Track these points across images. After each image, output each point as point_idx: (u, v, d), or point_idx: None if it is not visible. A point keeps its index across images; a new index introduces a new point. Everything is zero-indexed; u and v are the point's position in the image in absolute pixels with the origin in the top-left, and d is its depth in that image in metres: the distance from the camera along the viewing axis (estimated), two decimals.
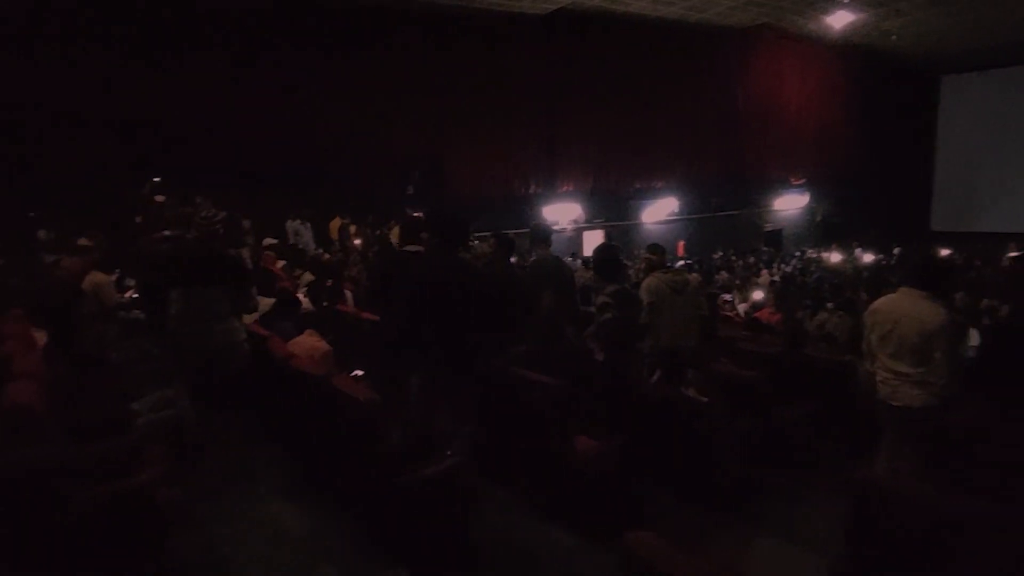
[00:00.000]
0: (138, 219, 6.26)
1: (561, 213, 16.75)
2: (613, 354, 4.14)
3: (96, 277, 5.37)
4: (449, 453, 3.07)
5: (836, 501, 2.76)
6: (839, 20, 16.35)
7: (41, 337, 3.91)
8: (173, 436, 3.44)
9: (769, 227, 21.17)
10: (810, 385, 4.84)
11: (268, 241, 8.62)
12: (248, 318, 4.44)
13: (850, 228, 20.46)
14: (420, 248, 3.94)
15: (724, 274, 13.98)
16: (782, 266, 16.53)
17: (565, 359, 4.16)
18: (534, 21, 14.86)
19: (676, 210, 18.84)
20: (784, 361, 5.17)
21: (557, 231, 15.30)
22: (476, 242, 9.93)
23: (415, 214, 7.60)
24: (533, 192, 16.61)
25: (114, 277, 5.85)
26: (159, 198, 5.72)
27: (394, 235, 11.45)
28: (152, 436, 3.28)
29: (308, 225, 10.78)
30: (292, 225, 10.58)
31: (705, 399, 3.87)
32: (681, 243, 18.80)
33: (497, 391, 3.65)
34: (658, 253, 4.96)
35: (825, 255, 17.84)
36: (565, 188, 17.09)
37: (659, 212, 18.59)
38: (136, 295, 5.74)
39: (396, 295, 3.40)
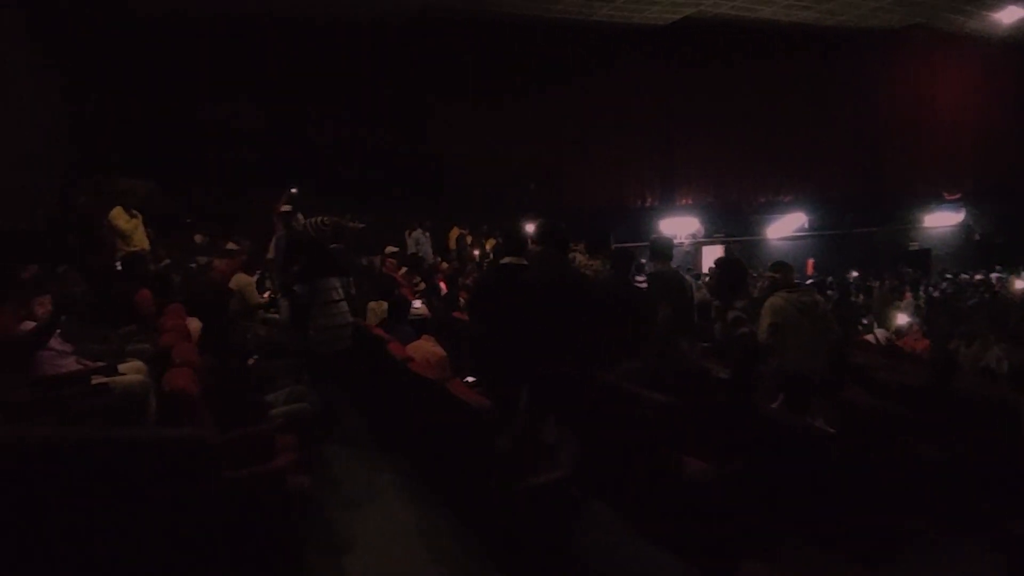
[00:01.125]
0: (276, 226, 6.92)
1: (679, 227, 16.29)
2: (740, 372, 3.93)
3: (241, 278, 5.92)
4: (556, 464, 3.07)
5: (985, 557, 2.46)
6: (1009, 15, 14.66)
7: (196, 329, 4.37)
8: (303, 427, 3.71)
9: (915, 246, 19.28)
10: (961, 423, 4.34)
11: (390, 249, 9.07)
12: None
13: (1016, 249, 18.13)
14: (518, 260, 3.89)
15: (861, 296, 12.91)
16: (930, 289, 14.96)
17: (680, 376, 4.03)
18: (655, 31, 14.65)
19: (805, 226, 17.67)
20: (930, 394, 4.68)
21: (675, 245, 14.91)
22: (577, 254, 9.87)
23: (517, 225, 7.75)
24: (651, 204, 16.29)
25: (255, 278, 6.42)
26: (285, 207, 6.35)
27: (452, 239, 11.72)
28: (285, 426, 3.55)
29: (428, 235, 11.23)
30: (414, 235, 11.07)
31: (832, 430, 3.60)
32: (811, 261, 17.57)
33: (607, 405, 3.60)
34: (783, 271, 4.69)
35: (992, 278, 15.80)
36: (684, 201, 16.60)
37: (786, 228, 17.54)
38: (273, 296, 6.26)
39: (497, 307, 3.44)
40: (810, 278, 15.81)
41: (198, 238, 9.21)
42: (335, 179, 11.40)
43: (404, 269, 8.15)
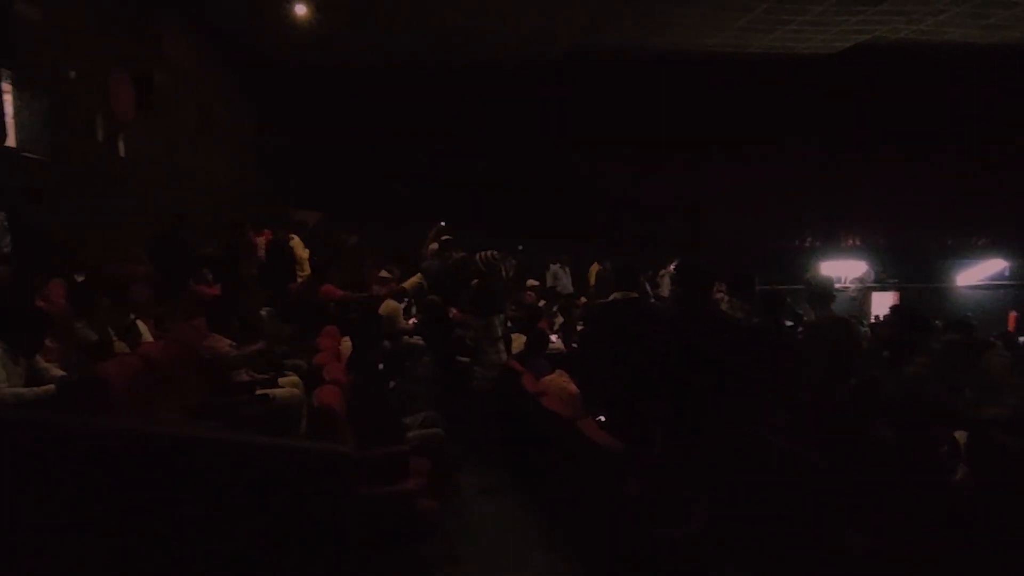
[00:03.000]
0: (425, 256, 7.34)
1: (842, 270, 14.88)
2: (915, 436, 3.42)
3: (390, 304, 6.29)
4: (688, 518, 2.85)
5: None
6: None
7: (346, 349, 4.68)
8: (436, 452, 3.80)
9: None
10: None
11: (531, 282, 9.19)
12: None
13: None
14: (631, 294, 3.69)
15: None
16: None
17: (838, 434, 3.60)
18: (819, 60, 13.77)
19: (1005, 273, 15.33)
20: None
21: (838, 290, 13.65)
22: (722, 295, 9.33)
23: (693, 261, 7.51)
24: (810, 245, 15.11)
25: (403, 305, 6.78)
26: (433, 246, 6.64)
27: (591, 275, 11.42)
28: (419, 449, 3.66)
29: (567, 269, 11.26)
30: (552, 269, 11.17)
31: None
32: (1012, 315, 15.13)
33: (753, 459, 3.30)
34: (963, 332, 4.06)
35: None
36: (849, 242, 15.20)
37: (978, 275, 15.35)
38: (416, 323, 6.56)
39: (618, 345, 3.29)
40: (1013, 336, 13.61)
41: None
42: (481, 213, 11.89)
43: (543, 302, 8.21)
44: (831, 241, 15.08)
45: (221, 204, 10.05)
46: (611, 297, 3.81)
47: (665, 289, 11.00)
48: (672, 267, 10.97)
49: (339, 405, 3.46)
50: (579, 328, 6.47)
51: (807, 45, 13.12)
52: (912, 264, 15.17)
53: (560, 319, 7.52)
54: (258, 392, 4.23)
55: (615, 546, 2.93)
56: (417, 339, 6.03)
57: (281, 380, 4.58)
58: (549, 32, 11.27)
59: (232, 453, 2.43)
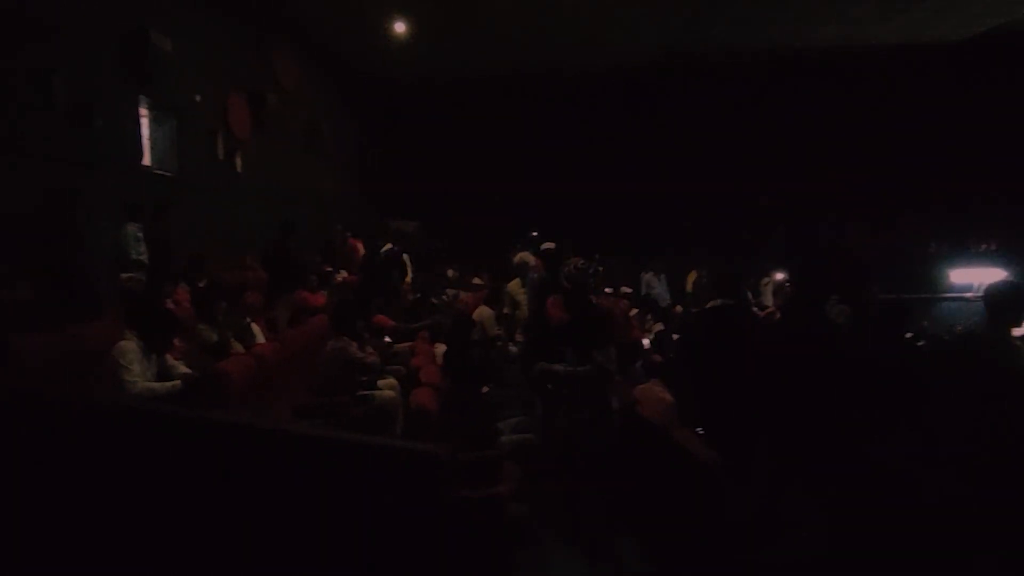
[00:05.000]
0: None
1: (977, 277, 13.49)
2: None
3: (483, 311, 6.37)
4: (794, 542, 2.67)
5: None
6: None
7: (441, 353, 4.78)
8: (527, 457, 3.79)
9: None
10: None
11: (624, 290, 9.04)
12: None
13: None
14: (728, 302, 3.46)
15: None
16: None
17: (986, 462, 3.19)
18: (943, 48, 12.68)
19: None
20: None
21: (970, 299, 12.39)
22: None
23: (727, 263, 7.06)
24: (935, 251, 13.89)
25: (496, 312, 6.84)
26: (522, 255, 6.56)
27: (689, 282, 10.96)
28: (511, 454, 3.67)
29: (662, 276, 10.99)
30: (645, 276, 10.93)
31: None
32: None
33: (869, 483, 3.04)
34: None
35: None
36: (983, 247, 13.84)
37: None
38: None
39: (716, 354, 3.12)
40: None
41: (450, 272, 10.23)
42: (574, 223, 11.86)
43: (635, 311, 8.04)
44: (960, 246, 13.77)
45: (326, 215, 10.62)
46: (709, 305, 3.65)
47: (768, 298, 10.48)
48: (776, 275, 10.44)
49: (434, 407, 3.54)
50: (675, 337, 6.26)
51: (931, 34, 12.09)
52: None
53: (656, 327, 7.34)
54: (360, 394, 4.40)
55: (711, 566, 2.79)
56: (511, 346, 6.06)
57: (380, 383, 4.74)
58: (642, 37, 11.08)
59: (333, 450, 2.54)
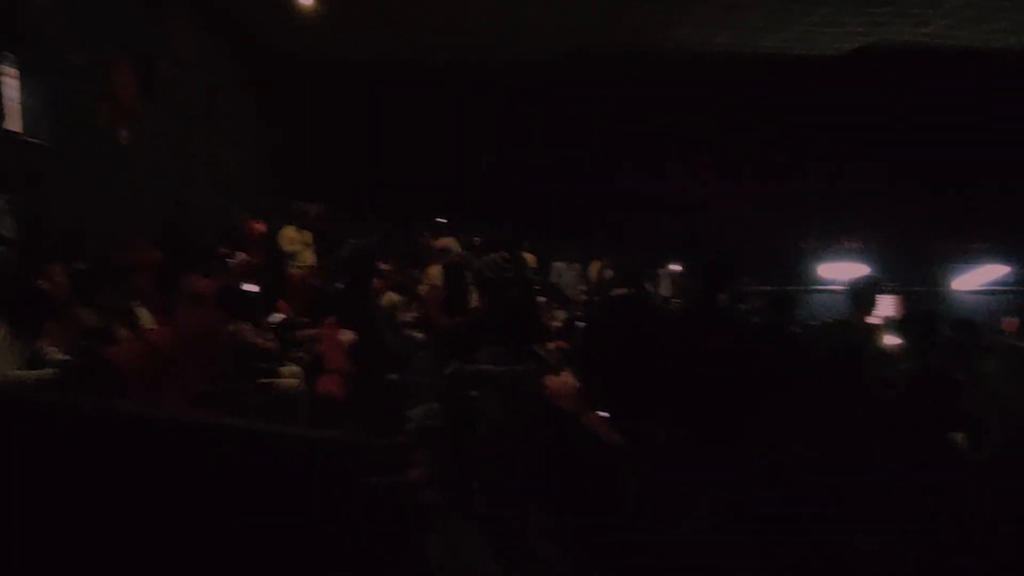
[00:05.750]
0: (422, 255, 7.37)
1: (841, 272, 14.86)
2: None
3: (391, 297, 6.28)
4: (691, 515, 2.85)
5: None
6: None
7: (347, 340, 4.68)
8: (438, 444, 3.78)
9: None
10: None
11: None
12: None
13: None
14: (632, 291, 3.65)
15: None
16: None
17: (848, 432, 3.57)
18: (823, 61, 13.79)
19: (1003, 279, 15.33)
20: None
21: (836, 292, 13.66)
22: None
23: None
24: (808, 246, 15.12)
25: (403, 299, 6.76)
26: (434, 242, 6.49)
27: (592, 271, 11.38)
28: (421, 442, 3.65)
29: (576, 266, 11.30)
30: (556, 265, 11.19)
31: None
32: (1008, 320, 15.12)
33: (759, 460, 3.29)
34: (966, 333, 4.03)
35: None
36: (849, 244, 15.20)
37: (976, 280, 15.36)
38: (417, 316, 6.52)
39: (618, 341, 3.27)
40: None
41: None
42: (484, 210, 11.88)
43: (544, 300, 8.20)
44: (831, 243, 15.07)
45: (225, 194, 10.04)
46: (614, 293, 3.79)
47: (663, 288, 11.03)
48: (671, 266, 10.98)
49: (339, 393, 3.47)
50: (580, 324, 6.45)
51: (812, 46, 13.13)
52: (908, 268, 15.15)
53: (560, 314, 7.52)
54: (260, 381, 4.23)
55: (615, 541, 2.92)
56: (419, 333, 6.01)
57: (282, 370, 4.58)
58: (556, 31, 11.26)
59: (233, 439, 2.43)
